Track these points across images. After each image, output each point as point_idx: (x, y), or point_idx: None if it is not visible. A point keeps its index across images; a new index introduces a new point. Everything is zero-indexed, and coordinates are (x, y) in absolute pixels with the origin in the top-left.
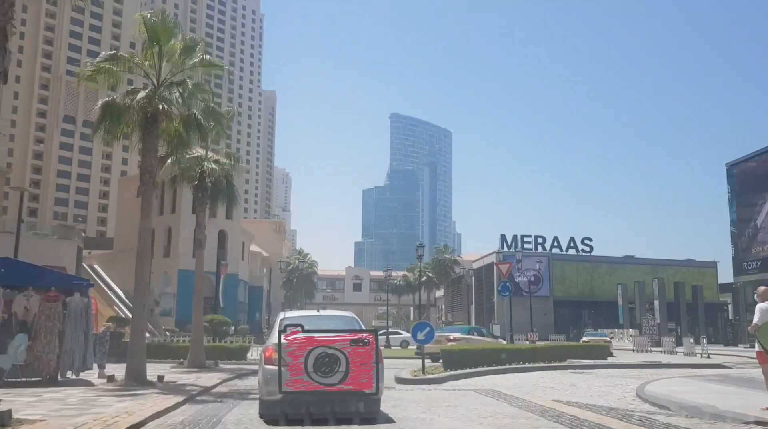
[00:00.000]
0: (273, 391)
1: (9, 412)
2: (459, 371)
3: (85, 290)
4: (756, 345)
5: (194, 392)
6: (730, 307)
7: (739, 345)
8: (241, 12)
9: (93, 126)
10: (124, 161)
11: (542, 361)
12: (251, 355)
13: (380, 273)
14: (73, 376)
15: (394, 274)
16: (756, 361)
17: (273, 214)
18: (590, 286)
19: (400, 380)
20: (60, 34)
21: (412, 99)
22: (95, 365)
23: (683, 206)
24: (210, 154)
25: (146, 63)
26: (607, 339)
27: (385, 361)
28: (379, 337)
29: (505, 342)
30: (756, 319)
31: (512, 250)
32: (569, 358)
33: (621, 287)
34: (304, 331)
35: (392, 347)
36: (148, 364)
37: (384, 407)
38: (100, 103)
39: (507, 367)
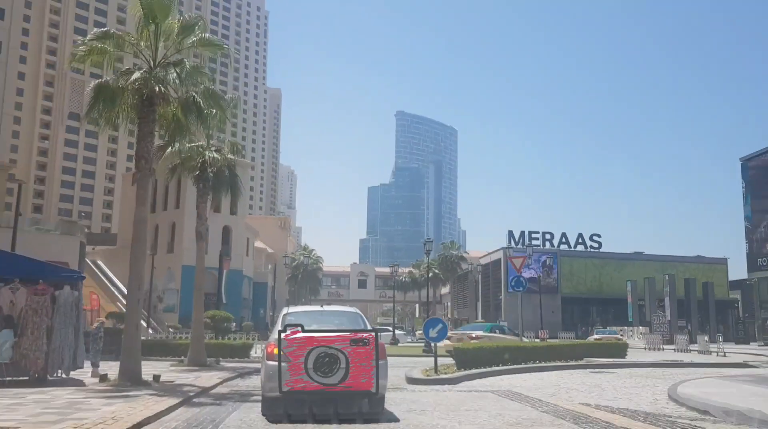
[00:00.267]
0: (274, 388)
1: None
2: (473, 371)
3: (76, 283)
4: None
5: (191, 393)
6: (739, 304)
7: (751, 343)
8: (246, 9)
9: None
10: (129, 158)
11: (558, 360)
12: (255, 353)
13: (385, 269)
14: (63, 376)
15: (399, 271)
16: None
17: (278, 211)
18: (599, 282)
19: (412, 380)
20: (64, 31)
21: (418, 96)
22: (88, 363)
23: (691, 203)
24: (212, 142)
25: (142, 43)
26: (619, 337)
27: (393, 359)
28: (388, 333)
29: (527, 339)
30: None
31: (520, 246)
32: (585, 356)
33: (630, 284)
34: (304, 330)
35: (399, 345)
36: (146, 362)
37: (398, 411)
38: (92, 84)
39: (522, 366)
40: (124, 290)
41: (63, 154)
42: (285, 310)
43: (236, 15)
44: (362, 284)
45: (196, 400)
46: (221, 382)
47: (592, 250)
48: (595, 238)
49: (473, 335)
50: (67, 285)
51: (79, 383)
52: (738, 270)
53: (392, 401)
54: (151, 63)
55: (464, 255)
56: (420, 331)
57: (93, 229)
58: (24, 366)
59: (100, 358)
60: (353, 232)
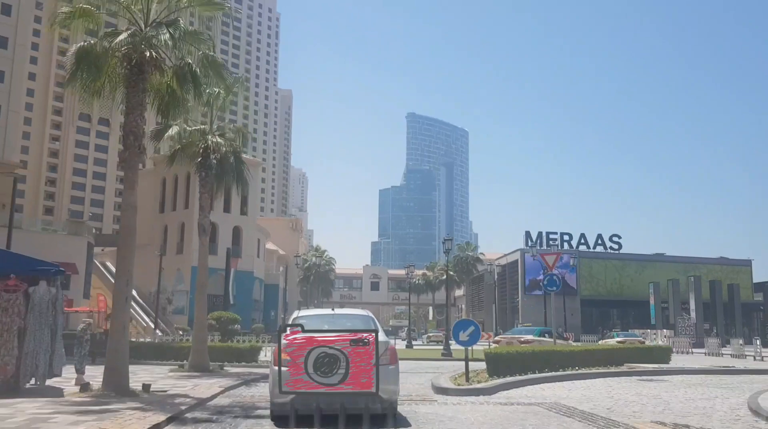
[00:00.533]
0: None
1: None
2: (509, 378)
3: (53, 278)
4: None
5: (184, 407)
6: (764, 306)
7: None
8: (257, 11)
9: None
10: None
11: (597, 366)
12: (264, 357)
13: (398, 272)
14: (37, 384)
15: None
16: None
17: (289, 213)
18: (619, 284)
19: (440, 390)
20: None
21: (429, 99)
22: (73, 369)
23: (712, 204)
24: (218, 124)
25: (134, 7)
26: (642, 340)
27: (412, 363)
28: (404, 336)
29: (575, 344)
30: None
31: (537, 247)
32: (626, 361)
33: (653, 286)
34: (304, 331)
35: (414, 347)
36: (144, 367)
37: None
38: (73, 48)
39: (561, 373)
40: (134, 292)
41: (74, 155)
42: (296, 314)
43: (248, 17)
44: (375, 286)
45: (188, 415)
46: (222, 392)
47: (612, 251)
48: (615, 238)
49: (522, 339)
50: (43, 280)
51: (57, 393)
52: (761, 272)
53: (422, 418)
54: (143, 26)
55: (480, 256)
56: (432, 333)
57: (104, 231)
58: None
59: (92, 363)
60: (364, 235)
